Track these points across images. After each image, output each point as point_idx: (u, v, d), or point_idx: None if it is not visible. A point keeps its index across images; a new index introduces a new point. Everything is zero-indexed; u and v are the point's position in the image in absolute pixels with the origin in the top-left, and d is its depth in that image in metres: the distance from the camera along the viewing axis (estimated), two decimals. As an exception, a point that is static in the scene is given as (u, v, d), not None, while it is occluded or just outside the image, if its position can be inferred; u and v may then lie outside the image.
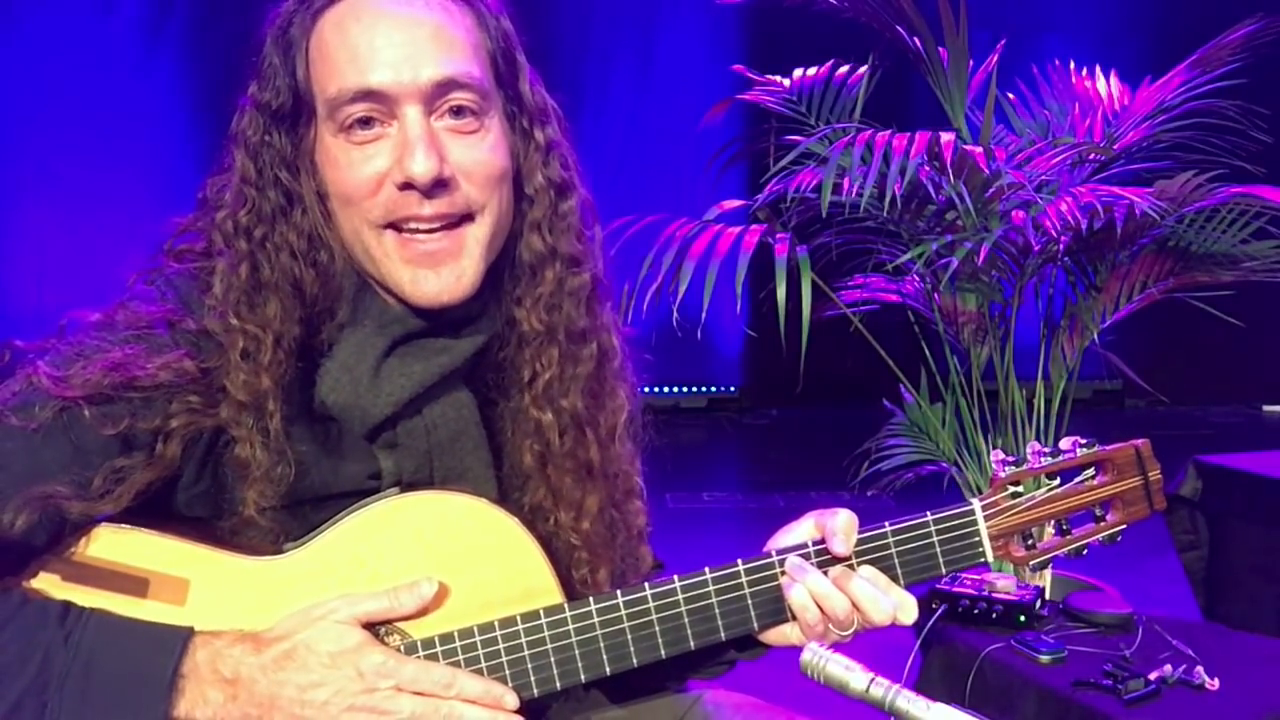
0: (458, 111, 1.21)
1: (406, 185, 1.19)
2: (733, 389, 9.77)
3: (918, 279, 3.23)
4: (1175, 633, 2.54)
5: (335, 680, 1.14)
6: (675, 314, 2.84)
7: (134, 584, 1.19)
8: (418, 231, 1.22)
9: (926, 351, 3.24)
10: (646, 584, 1.26)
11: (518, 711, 1.21)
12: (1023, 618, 2.59)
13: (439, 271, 1.22)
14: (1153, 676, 2.28)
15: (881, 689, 1.09)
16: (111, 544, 1.20)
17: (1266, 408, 9.54)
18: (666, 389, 9.38)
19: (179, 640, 1.13)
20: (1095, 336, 3.17)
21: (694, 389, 9.63)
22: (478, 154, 1.22)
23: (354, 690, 1.14)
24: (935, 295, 3.17)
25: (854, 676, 1.12)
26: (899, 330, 3.35)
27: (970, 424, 3.18)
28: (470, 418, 1.29)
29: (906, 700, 1.07)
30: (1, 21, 7.82)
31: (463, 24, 1.22)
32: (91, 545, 1.19)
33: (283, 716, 1.13)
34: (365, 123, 1.20)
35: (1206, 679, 2.30)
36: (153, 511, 1.24)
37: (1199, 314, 3.25)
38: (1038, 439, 3.13)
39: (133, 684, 1.10)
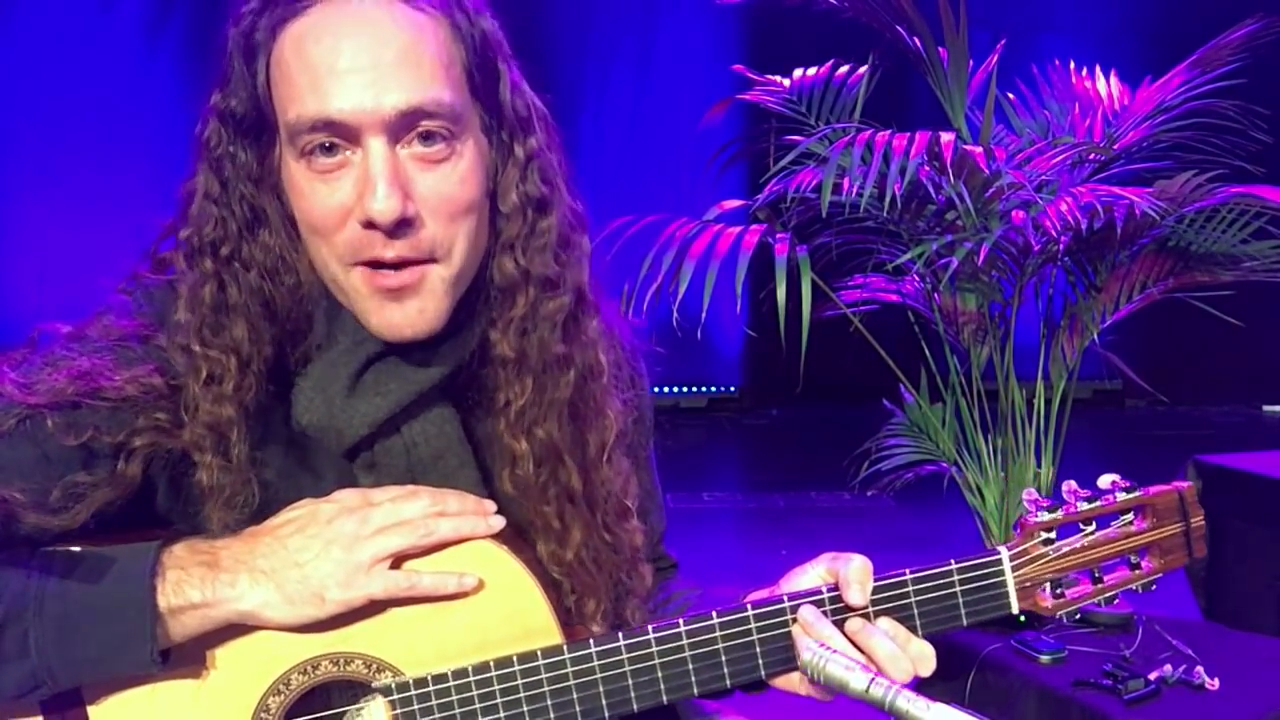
0: (427, 137, 1.13)
1: (369, 224, 1.12)
2: (733, 389, 9.78)
3: (918, 279, 3.23)
4: (1175, 633, 2.54)
5: (316, 535, 1.16)
6: (675, 314, 2.84)
7: None
8: (382, 266, 1.16)
9: (926, 351, 3.24)
10: (650, 627, 1.21)
11: None
12: (1023, 618, 2.58)
13: (403, 305, 1.16)
14: (1153, 676, 2.29)
15: (881, 689, 1.09)
16: None
17: (1266, 408, 9.55)
18: (666, 389, 9.39)
19: (148, 558, 1.12)
20: (1095, 336, 3.17)
21: (694, 389, 9.63)
22: (445, 187, 1.15)
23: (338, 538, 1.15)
24: (935, 295, 3.17)
25: (854, 676, 1.11)
26: (899, 330, 3.35)
27: (970, 424, 3.18)
28: (454, 434, 1.24)
29: (906, 700, 1.07)
30: (1, 20, 7.82)
31: (434, 39, 1.13)
32: None
33: (265, 552, 1.14)
34: (328, 149, 1.13)
35: (1206, 679, 2.30)
36: (141, 523, 1.22)
37: (1199, 314, 3.25)
38: (1038, 439, 3.14)
39: (115, 598, 1.10)
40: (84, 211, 7.65)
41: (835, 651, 1.15)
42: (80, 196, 7.81)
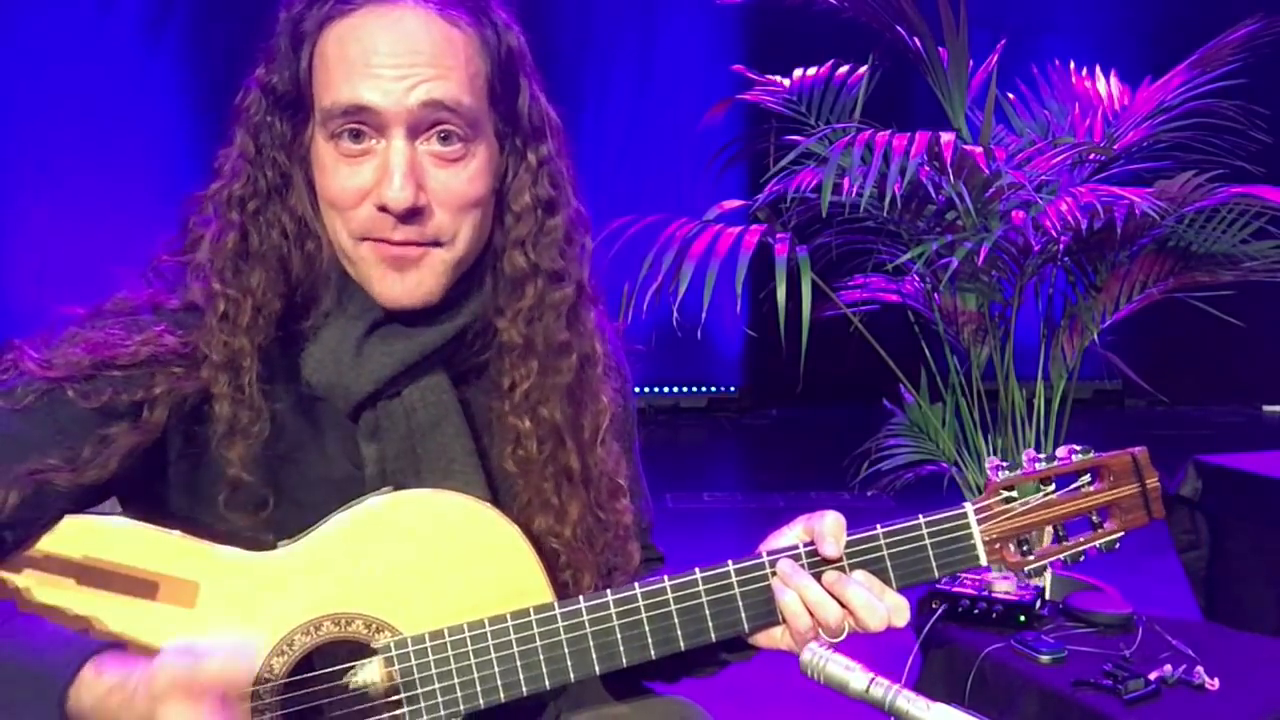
0: (445, 137, 1.25)
1: (383, 208, 1.24)
2: (733, 389, 9.78)
3: (918, 279, 3.23)
4: (1175, 633, 2.54)
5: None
6: (675, 314, 2.84)
7: (144, 587, 1.21)
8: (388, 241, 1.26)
9: (926, 351, 3.24)
10: (636, 584, 1.27)
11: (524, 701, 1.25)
12: (1023, 618, 2.59)
13: (403, 276, 1.27)
14: (1153, 676, 2.28)
15: (881, 689, 1.09)
16: (113, 541, 1.21)
17: (1266, 408, 9.56)
18: (666, 389, 9.40)
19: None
20: (1095, 336, 3.17)
21: (694, 389, 9.64)
22: (456, 184, 1.26)
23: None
24: (935, 295, 3.17)
25: (854, 676, 1.12)
26: (899, 330, 3.35)
27: (970, 424, 3.18)
28: (450, 404, 1.33)
29: (906, 700, 1.07)
30: (0, 20, 7.82)
31: (464, 50, 1.25)
32: (97, 544, 1.21)
33: None
34: (355, 135, 1.24)
35: (1206, 679, 2.30)
36: (146, 506, 1.27)
37: (1199, 314, 3.25)
38: (1038, 439, 3.14)
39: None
40: (83, 211, 7.65)
41: (835, 651, 1.16)
42: (80, 196, 7.81)
